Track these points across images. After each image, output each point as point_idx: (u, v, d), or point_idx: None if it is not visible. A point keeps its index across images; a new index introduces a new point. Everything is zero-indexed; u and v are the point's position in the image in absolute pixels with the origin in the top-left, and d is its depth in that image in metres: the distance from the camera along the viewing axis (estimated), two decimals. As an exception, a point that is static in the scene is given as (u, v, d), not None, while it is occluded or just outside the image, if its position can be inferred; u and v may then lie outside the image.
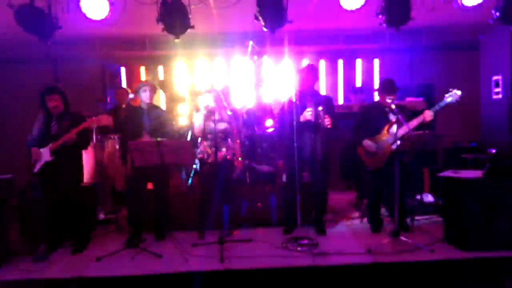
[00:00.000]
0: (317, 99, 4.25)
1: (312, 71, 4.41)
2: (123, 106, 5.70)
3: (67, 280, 3.47)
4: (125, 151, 4.31)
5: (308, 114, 4.12)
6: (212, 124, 4.21)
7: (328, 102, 4.36)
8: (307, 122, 4.15)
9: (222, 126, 4.39)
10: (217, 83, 6.80)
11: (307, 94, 4.25)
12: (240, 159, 4.70)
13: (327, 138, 4.32)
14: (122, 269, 3.61)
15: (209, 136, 4.38)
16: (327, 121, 4.08)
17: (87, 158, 5.07)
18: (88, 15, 4.32)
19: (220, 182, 4.36)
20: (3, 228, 3.99)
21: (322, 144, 4.33)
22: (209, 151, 4.39)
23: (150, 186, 4.45)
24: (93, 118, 4.02)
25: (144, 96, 4.28)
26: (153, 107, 4.41)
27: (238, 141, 4.59)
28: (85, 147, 4.36)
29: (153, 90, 4.34)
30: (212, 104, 4.35)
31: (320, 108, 4.11)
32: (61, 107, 4.07)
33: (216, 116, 4.32)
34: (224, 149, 4.40)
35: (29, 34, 3.94)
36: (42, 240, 4.14)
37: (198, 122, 4.42)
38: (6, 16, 4.13)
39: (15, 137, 4.69)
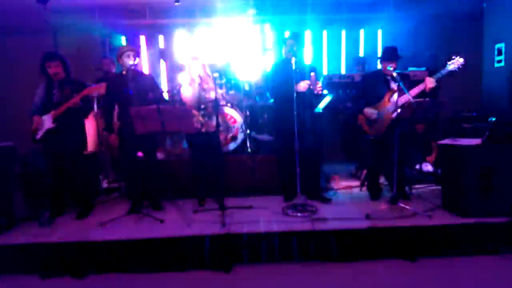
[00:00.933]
0: (301, 67, 4.24)
1: (295, 39, 4.34)
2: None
3: (72, 244, 3.56)
4: (109, 120, 4.26)
5: (306, 85, 4.11)
6: (203, 93, 4.22)
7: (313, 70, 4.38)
8: (300, 92, 4.12)
9: (212, 95, 4.35)
10: (218, 53, 6.74)
11: (293, 63, 4.08)
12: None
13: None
14: (125, 233, 3.70)
15: (202, 105, 4.38)
16: (318, 87, 4.11)
17: (89, 127, 5.09)
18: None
19: (213, 151, 4.39)
20: (7, 194, 4.07)
21: (313, 113, 4.34)
22: (202, 120, 4.39)
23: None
24: (95, 85, 4.02)
25: (127, 61, 4.13)
26: (137, 74, 4.29)
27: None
28: (87, 115, 4.38)
29: (136, 55, 4.21)
30: (201, 72, 4.33)
31: (312, 73, 4.13)
32: (62, 74, 4.07)
33: (205, 85, 4.34)
34: (215, 119, 4.36)
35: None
36: (46, 207, 4.22)
37: (190, 92, 4.39)
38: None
39: (17, 106, 4.71)
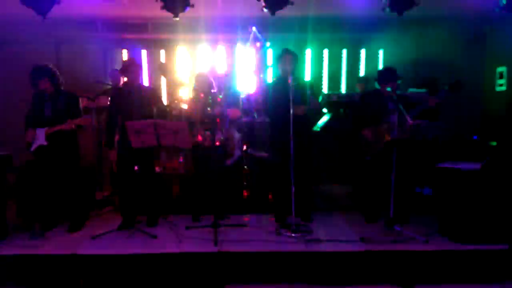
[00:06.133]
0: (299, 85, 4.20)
1: (289, 55, 4.23)
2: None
3: (61, 257, 3.51)
4: (110, 135, 4.24)
5: (299, 110, 4.06)
6: (207, 108, 4.22)
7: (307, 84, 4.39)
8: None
9: (216, 110, 4.34)
10: (218, 69, 6.76)
11: (289, 81, 4.00)
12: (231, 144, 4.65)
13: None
14: (116, 248, 3.65)
15: (204, 120, 4.38)
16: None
17: (87, 140, 5.08)
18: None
19: (214, 166, 4.37)
20: (0, 205, 4.02)
21: (309, 133, 4.31)
22: (204, 134, 4.38)
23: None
24: (87, 118, 4.13)
25: (130, 75, 4.16)
26: (140, 87, 4.28)
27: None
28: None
29: (138, 69, 4.22)
30: (201, 88, 4.33)
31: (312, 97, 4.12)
32: (51, 89, 4.05)
33: (209, 100, 4.32)
34: (217, 134, 4.36)
35: (27, 7, 3.89)
36: (39, 218, 4.18)
37: (193, 106, 4.40)
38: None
39: (16, 115, 4.69)
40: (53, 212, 4.25)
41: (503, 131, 5.82)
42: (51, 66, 4.09)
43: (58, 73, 4.11)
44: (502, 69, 6.08)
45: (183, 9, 4.17)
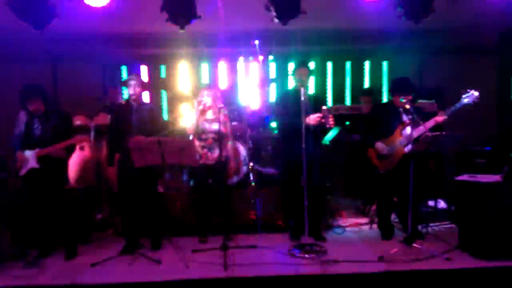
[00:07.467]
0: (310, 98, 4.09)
1: (304, 69, 4.13)
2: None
3: (58, 287, 3.25)
4: (112, 152, 4.06)
5: (317, 118, 3.89)
6: (206, 124, 4.05)
7: (321, 100, 4.32)
8: (308, 125, 3.91)
9: (215, 126, 4.15)
10: (221, 83, 6.61)
11: (302, 93, 3.88)
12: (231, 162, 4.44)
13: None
14: (118, 276, 3.40)
15: (203, 136, 4.20)
16: (331, 121, 3.87)
17: (85, 159, 4.86)
18: (87, 1, 4.04)
19: (214, 184, 4.17)
20: (-7, 230, 3.78)
21: (322, 147, 4.13)
22: (201, 151, 4.20)
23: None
24: (79, 136, 3.98)
25: (131, 90, 3.98)
26: (142, 104, 4.12)
27: (229, 143, 4.34)
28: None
29: (140, 85, 4.04)
30: (208, 102, 4.16)
31: (324, 107, 3.93)
32: (43, 109, 3.88)
33: (210, 116, 4.18)
34: (217, 151, 4.13)
35: (23, 21, 3.73)
36: (34, 244, 3.92)
37: (191, 120, 4.22)
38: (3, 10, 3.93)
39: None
40: (48, 237, 3.98)
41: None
42: (43, 85, 3.95)
43: (48, 93, 3.99)
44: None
45: (189, 21, 3.99)
